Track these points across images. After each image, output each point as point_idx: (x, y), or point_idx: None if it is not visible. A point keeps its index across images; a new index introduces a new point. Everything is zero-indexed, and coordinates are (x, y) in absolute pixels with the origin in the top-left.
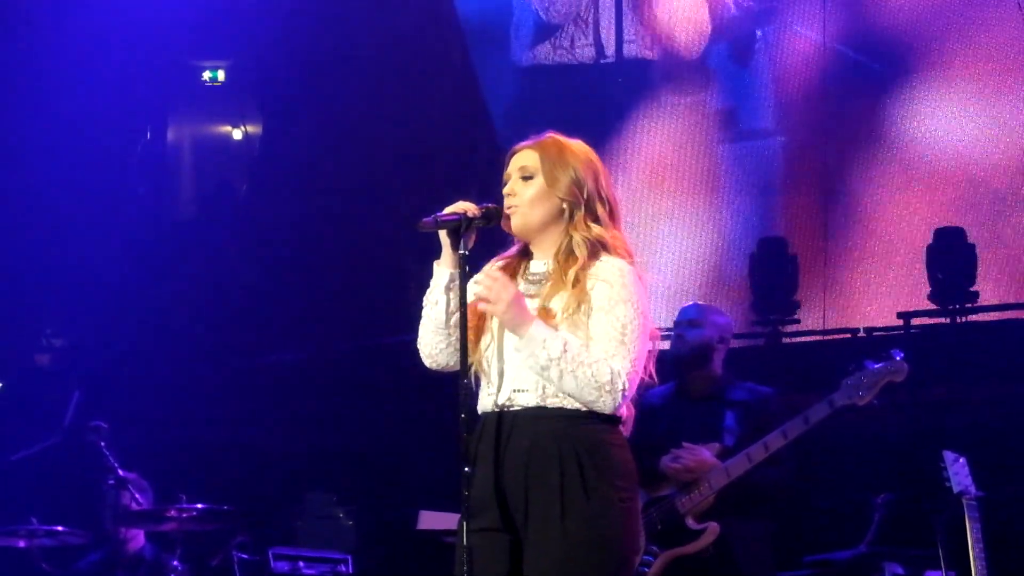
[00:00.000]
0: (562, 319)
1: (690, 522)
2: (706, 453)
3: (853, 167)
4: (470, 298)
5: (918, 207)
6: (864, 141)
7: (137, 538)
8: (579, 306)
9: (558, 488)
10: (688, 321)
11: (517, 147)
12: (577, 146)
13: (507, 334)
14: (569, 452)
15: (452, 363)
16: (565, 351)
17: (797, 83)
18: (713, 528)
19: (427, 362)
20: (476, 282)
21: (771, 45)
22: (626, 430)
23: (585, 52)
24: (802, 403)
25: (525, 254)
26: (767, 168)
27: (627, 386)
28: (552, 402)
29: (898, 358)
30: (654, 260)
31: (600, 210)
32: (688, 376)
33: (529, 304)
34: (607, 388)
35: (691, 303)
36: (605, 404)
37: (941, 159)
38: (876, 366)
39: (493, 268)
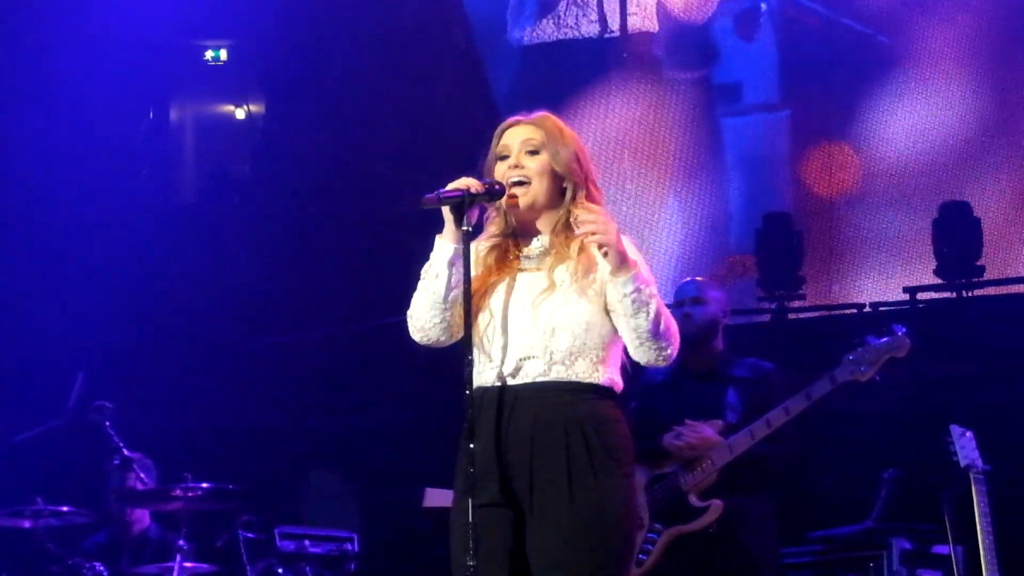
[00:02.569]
0: (571, 283)
1: (693, 500)
2: (708, 430)
3: (859, 140)
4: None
5: (924, 181)
6: (869, 114)
7: (143, 518)
8: (587, 273)
9: (564, 463)
10: (691, 299)
11: (511, 122)
12: (568, 128)
13: (509, 310)
14: (575, 427)
15: (443, 339)
16: (658, 296)
17: (802, 56)
18: (717, 505)
19: (417, 336)
20: (581, 220)
21: (776, 18)
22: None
23: (589, 28)
24: (808, 379)
25: (512, 235)
26: (772, 143)
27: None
28: (556, 371)
29: (900, 333)
30: (659, 236)
31: (592, 190)
32: (690, 353)
33: (533, 277)
34: (678, 337)
35: (688, 279)
36: (672, 352)
37: (947, 133)
38: (878, 341)
39: (475, 241)
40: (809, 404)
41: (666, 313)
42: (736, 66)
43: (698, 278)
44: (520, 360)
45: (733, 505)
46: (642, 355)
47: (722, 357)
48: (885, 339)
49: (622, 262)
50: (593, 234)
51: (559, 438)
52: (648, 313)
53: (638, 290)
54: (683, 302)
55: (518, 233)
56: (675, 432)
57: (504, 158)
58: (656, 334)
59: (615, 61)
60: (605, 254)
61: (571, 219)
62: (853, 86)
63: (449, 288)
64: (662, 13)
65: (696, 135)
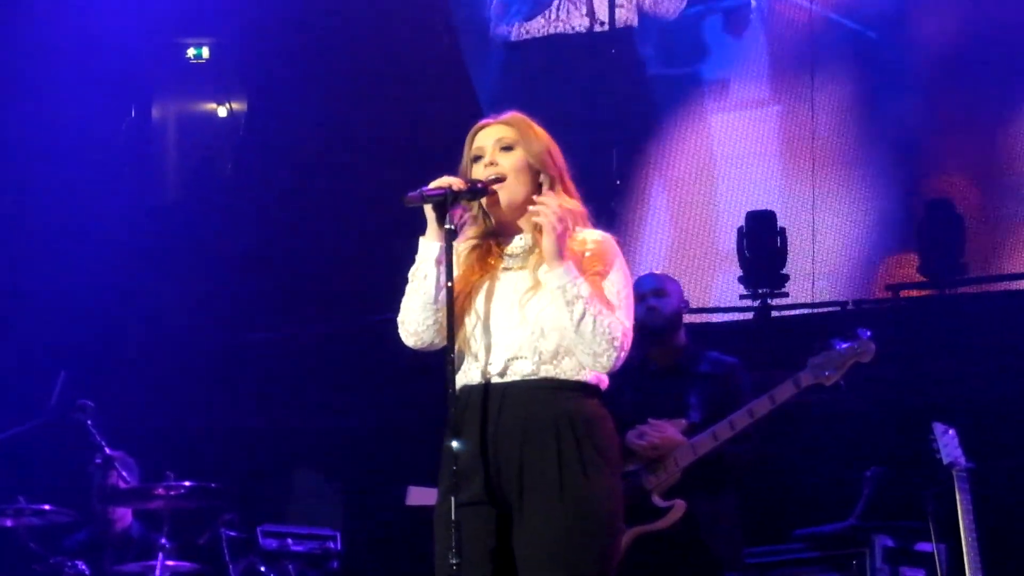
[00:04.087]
0: None
1: (656, 499)
2: (672, 430)
3: (845, 137)
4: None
5: (908, 179)
6: (856, 111)
7: (124, 516)
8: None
9: (555, 462)
10: (653, 291)
11: (482, 124)
12: (538, 126)
13: (496, 309)
14: (565, 424)
15: (437, 341)
16: (592, 295)
17: (792, 53)
18: (680, 505)
19: (410, 341)
20: (540, 199)
21: (766, 14)
22: None
23: (580, 22)
24: (789, 378)
25: (492, 235)
26: (759, 139)
27: (626, 349)
28: (545, 370)
29: (864, 337)
30: (646, 231)
31: (570, 185)
32: (654, 348)
33: (517, 276)
34: (616, 344)
35: (645, 273)
36: (608, 360)
37: (930, 131)
38: (842, 346)
39: (455, 241)
40: (773, 407)
41: (604, 321)
42: (725, 62)
43: (655, 271)
44: (508, 360)
45: (696, 505)
46: (579, 355)
47: (685, 352)
48: (850, 343)
49: (556, 254)
50: (542, 215)
51: (549, 435)
52: (572, 313)
53: (563, 288)
54: (644, 295)
55: (498, 232)
56: (638, 431)
57: (479, 159)
58: (581, 335)
59: (604, 57)
60: (541, 233)
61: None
62: (840, 83)
63: (439, 288)
64: (640, 7)
65: (684, 131)
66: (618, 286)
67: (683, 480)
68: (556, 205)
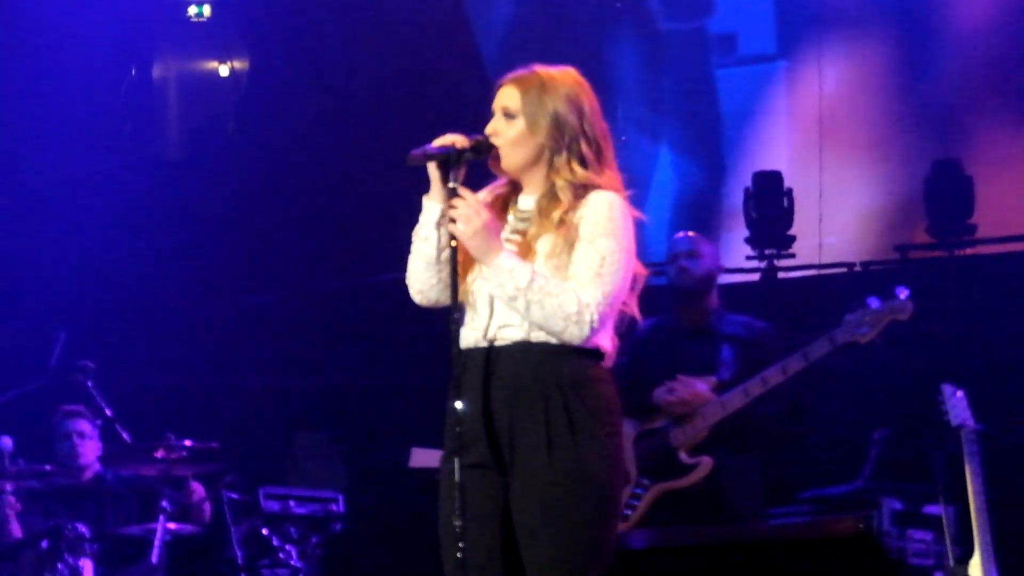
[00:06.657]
0: (547, 260)
1: (683, 456)
2: (701, 386)
3: (853, 94)
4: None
5: (917, 138)
6: (865, 68)
7: (92, 463)
8: (568, 246)
9: (543, 423)
10: (687, 252)
11: (503, 80)
12: (562, 79)
13: None
14: (553, 387)
15: (443, 299)
16: (532, 281)
17: (798, 7)
18: (706, 463)
19: (417, 298)
20: (452, 204)
21: None
22: (608, 363)
23: None
24: (798, 339)
25: (517, 188)
26: (766, 95)
27: (595, 318)
28: (536, 336)
29: (902, 296)
30: (652, 189)
31: (585, 149)
32: (684, 308)
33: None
34: (573, 319)
35: (680, 234)
36: (572, 335)
37: (939, 90)
38: (879, 304)
39: (476, 195)
40: (806, 364)
41: (552, 303)
42: (732, 16)
43: (690, 233)
44: (500, 327)
45: (722, 463)
46: None
47: (716, 313)
48: (886, 302)
49: (482, 255)
50: (454, 221)
51: (537, 397)
52: (517, 307)
53: (500, 285)
54: (677, 256)
55: (519, 188)
56: (667, 387)
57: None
58: (534, 321)
59: (609, 11)
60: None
61: (556, 189)
62: (849, 38)
63: (439, 249)
64: None
65: (690, 86)
66: (604, 252)
67: (710, 437)
68: (466, 206)
